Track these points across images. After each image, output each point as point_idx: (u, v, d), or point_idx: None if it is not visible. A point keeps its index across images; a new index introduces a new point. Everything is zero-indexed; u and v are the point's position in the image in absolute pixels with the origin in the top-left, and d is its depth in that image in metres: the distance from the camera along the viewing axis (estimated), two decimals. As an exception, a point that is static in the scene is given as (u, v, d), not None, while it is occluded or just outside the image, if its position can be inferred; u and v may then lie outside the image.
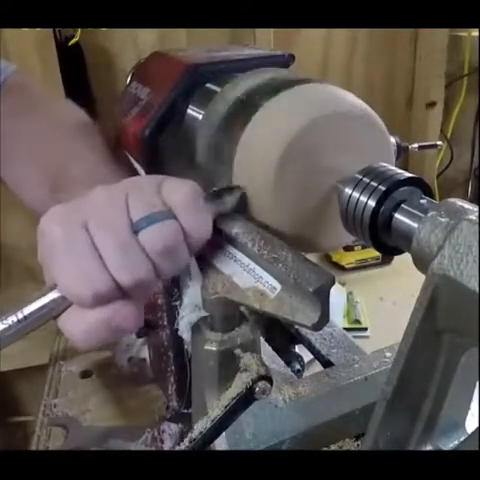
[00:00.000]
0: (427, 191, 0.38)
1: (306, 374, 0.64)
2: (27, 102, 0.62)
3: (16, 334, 0.36)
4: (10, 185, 0.61)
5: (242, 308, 0.45)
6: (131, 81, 0.61)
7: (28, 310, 0.37)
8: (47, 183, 0.53)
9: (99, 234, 0.36)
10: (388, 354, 0.55)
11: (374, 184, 0.38)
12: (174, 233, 0.37)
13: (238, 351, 0.43)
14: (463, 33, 1.44)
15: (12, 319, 0.36)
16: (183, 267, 0.39)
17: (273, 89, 0.44)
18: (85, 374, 0.82)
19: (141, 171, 0.53)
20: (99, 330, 0.36)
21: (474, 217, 0.31)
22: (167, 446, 0.65)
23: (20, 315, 0.36)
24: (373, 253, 1.09)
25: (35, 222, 0.38)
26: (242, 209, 0.43)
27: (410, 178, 0.38)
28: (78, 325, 0.37)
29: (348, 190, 0.40)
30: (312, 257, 0.39)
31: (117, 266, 0.35)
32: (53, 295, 0.37)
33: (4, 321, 0.36)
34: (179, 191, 0.38)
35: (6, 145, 0.59)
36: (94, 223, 0.36)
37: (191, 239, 0.38)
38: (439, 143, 0.69)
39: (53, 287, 0.37)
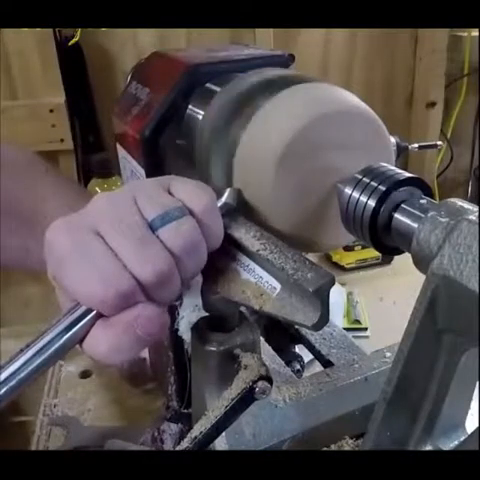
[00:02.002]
0: (427, 191, 0.38)
1: (306, 374, 0.64)
2: None
3: (39, 367, 0.34)
4: None
5: (242, 308, 0.45)
6: (131, 81, 0.61)
7: (49, 337, 0.34)
8: (21, 230, 0.51)
9: (113, 235, 0.35)
10: (388, 354, 0.55)
11: (374, 184, 0.38)
12: (194, 229, 0.36)
13: (238, 351, 0.43)
14: (463, 33, 1.45)
15: (32, 351, 0.34)
16: (203, 265, 0.38)
17: (273, 89, 0.44)
18: (85, 374, 0.82)
19: (141, 170, 0.53)
20: (124, 339, 0.35)
21: (474, 217, 0.31)
22: (167, 446, 0.65)
23: (41, 343, 0.34)
24: (373, 253, 1.09)
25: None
26: (239, 210, 0.43)
27: (410, 178, 0.38)
28: (102, 340, 0.35)
29: (348, 190, 0.40)
30: (312, 257, 0.39)
31: (136, 262, 0.34)
32: (72, 316, 0.35)
33: (26, 351, 0.34)
34: (194, 190, 0.38)
35: None
36: (105, 226, 0.35)
37: (210, 236, 0.38)
38: (439, 143, 0.69)
39: (71, 309, 0.35)
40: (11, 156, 0.58)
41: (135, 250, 0.34)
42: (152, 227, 0.35)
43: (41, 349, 0.34)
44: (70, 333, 0.35)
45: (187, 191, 0.38)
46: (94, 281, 0.34)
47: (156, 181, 0.40)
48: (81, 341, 0.36)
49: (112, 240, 0.35)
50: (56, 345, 0.34)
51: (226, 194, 0.42)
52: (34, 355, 0.34)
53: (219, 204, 0.41)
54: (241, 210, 0.43)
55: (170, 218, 0.36)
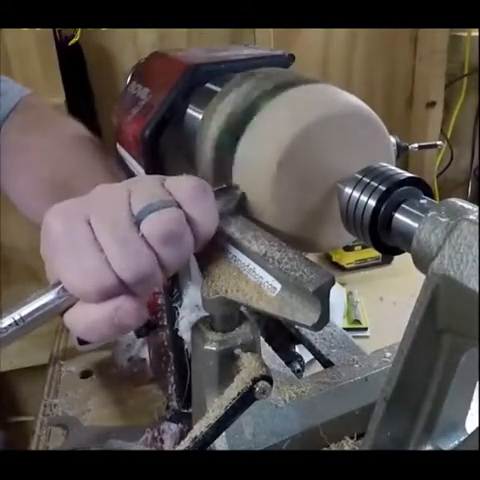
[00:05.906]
0: (427, 191, 0.38)
1: (306, 374, 0.65)
2: (35, 120, 0.65)
3: (22, 330, 0.36)
4: (12, 198, 0.62)
5: (242, 308, 0.45)
6: (131, 81, 0.61)
7: (33, 306, 0.36)
8: (50, 195, 0.53)
9: (100, 228, 0.36)
10: (388, 354, 0.55)
11: (374, 184, 0.38)
12: (175, 219, 0.36)
13: (238, 351, 0.43)
14: (463, 33, 1.44)
15: (15, 316, 0.36)
16: (188, 257, 0.38)
17: (273, 90, 0.44)
18: (85, 374, 0.82)
19: (141, 170, 0.53)
20: (102, 326, 0.36)
21: (474, 217, 0.31)
22: (167, 446, 0.65)
23: (25, 312, 0.36)
24: (373, 253, 1.09)
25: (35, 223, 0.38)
26: (241, 209, 0.43)
27: (410, 178, 0.38)
28: (81, 320, 0.36)
29: (348, 190, 0.40)
30: (312, 257, 0.39)
31: (119, 261, 0.35)
32: (58, 291, 0.36)
33: (9, 316, 0.36)
34: (184, 182, 0.38)
35: (12, 159, 0.62)
36: (95, 218, 0.36)
37: (197, 228, 0.37)
38: (439, 143, 0.69)
39: (58, 283, 0.36)
40: (86, 135, 0.64)
41: (118, 248, 0.35)
42: (137, 219, 0.36)
43: (24, 316, 0.36)
44: (51, 305, 0.36)
45: (176, 183, 0.38)
46: (77, 273, 0.35)
47: (155, 177, 0.40)
48: (63, 313, 0.37)
49: (99, 234, 0.35)
50: (37, 314, 0.36)
51: (226, 193, 0.42)
52: (16, 321, 0.35)
53: (219, 203, 0.41)
54: (241, 210, 0.43)
55: (153, 209, 0.36)
